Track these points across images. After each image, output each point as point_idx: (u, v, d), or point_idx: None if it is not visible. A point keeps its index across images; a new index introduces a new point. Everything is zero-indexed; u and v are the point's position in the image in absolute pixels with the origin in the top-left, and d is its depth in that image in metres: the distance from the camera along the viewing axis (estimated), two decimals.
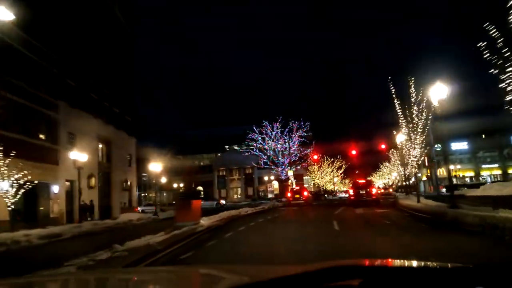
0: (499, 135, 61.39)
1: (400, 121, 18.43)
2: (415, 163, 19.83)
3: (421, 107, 17.49)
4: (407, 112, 18.50)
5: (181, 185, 70.00)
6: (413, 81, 17.85)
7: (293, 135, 52.53)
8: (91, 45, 30.61)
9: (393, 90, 18.42)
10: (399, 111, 18.31)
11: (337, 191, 78.72)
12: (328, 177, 73.56)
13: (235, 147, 76.73)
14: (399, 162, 29.68)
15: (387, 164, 74.93)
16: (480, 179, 64.25)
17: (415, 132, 18.26)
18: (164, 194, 72.05)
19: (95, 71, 31.54)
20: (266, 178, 70.44)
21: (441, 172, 67.70)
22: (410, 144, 18.99)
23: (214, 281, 1.94)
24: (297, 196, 30.36)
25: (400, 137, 23.96)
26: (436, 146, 67.58)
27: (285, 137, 52.71)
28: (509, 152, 64.47)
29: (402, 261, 1.92)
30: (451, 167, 65.67)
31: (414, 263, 1.78)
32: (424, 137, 18.43)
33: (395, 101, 18.46)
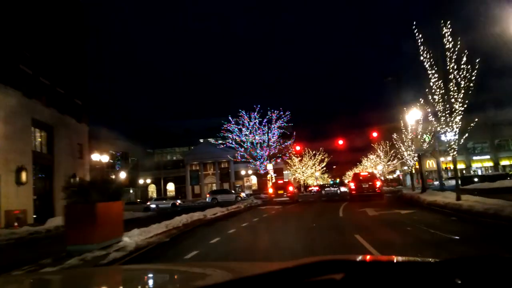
0: (491, 125, 57.86)
1: (432, 83, 12.83)
2: (452, 144, 14.15)
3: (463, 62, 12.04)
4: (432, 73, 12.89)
5: (148, 181, 63.39)
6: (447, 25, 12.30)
7: (273, 126, 47.82)
8: (23, 4, 23.97)
9: (419, 39, 12.78)
10: (428, 68, 12.74)
11: (311, 185, 73.94)
12: (309, 171, 68.60)
13: (212, 141, 70.63)
14: (403, 149, 24.43)
15: (372, 157, 70.51)
16: (471, 171, 60.69)
17: (453, 97, 12.65)
18: (131, 191, 65.21)
19: (31, 40, 24.96)
20: (243, 173, 64.83)
21: (430, 164, 63.68)
22: (443, 116, 13.34)
23: (193, 278, 1.94)
24: (281, 192, 24.73)
25: (413, 115, 18.66)
26: (425, 136, 63.64)
27: (264, 128, 47.72)
28: (500, 142, 61.11)
29: (384, 256, 2.09)
30: (442, 159, 62.30)
31: (396, 258, 1.70)
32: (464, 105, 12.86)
33: (422, 51, 12.82)
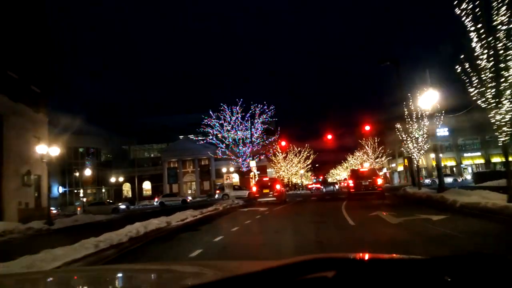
0: (481, 121, 55.69)
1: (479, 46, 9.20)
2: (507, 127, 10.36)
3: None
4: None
5: (121, 179, 58.92)
6: None
7: (256, 121, 44.64)
8: None
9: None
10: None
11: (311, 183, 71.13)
12: (294, 169, 65.31)
13: (192, 137, 66.44)
14: (409, 141, 21.13)
15: (359, 154, 67.70)
16: (462, 168, 58.52)
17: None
18: (103, 190, 60.61)
19: None
20: (224, 170, 61.00)
21: (420, 161, 61.21)
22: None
23: (184, 277, 1.92)
24: (266, 191, 21.07)
25: (428, 98, 15.23)
26: (414, 132, 61.15)
27: (247, 123, 44.36)
28: (491, 138, 59.00)
29: (375, 254, 1.84)
30: (432, 155, 59.81)
31: (387, 256, 1.82)
32: None
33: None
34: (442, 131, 59.47)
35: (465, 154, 58.63)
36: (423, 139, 20.06)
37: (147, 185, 65.39)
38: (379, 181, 20.10)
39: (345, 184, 68.91)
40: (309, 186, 60.16)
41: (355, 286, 1.07)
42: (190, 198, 46.12)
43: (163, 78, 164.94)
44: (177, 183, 63.12)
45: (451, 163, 58.57)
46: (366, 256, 1.75)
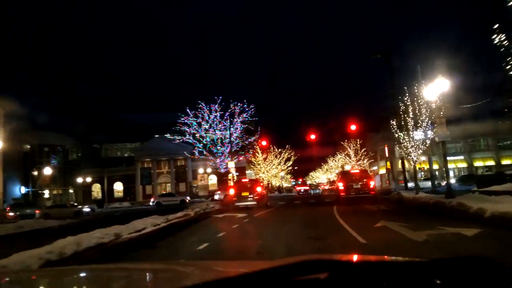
0: (464, 124, 54.80)
1: None
2: None
3: None
4: None
5: (89, 179, 55.14)
6: None
7: (235, 120, 42.36)
8: None
9: None
10: None
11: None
12: (274, 171, 62.95)
13: (168, 136, 63.09)
14: (406, 139, 18.99)
15: (340, 156, 65.82)
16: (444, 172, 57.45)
17: None
18: (70, 191, 56.60)
19: None
20: (201, 171, 58.12)
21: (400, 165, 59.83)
22: None
23: (177, 278, 1.86)
24: (245, 194, 18.43)
25: (437, 88, 13.00)
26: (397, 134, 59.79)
27: (226, 123, 41.54)
28: (473, 142, 58.40)
29: (368, 256, 1.96)
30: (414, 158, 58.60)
31: (379, 258, 1.81)
32: None
33: None
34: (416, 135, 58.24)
35: (448, 158, 57.54)
36: (425, 136, 17.94)
37: (119, 186, 61.64)
38: (372, 184, 17.91)
39: (326, 187, 67.08)
40: (297, 188, 57.14)
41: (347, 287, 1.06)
42: (188, 198, 43.50)
43: (138, 75, 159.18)
44: (151, 184, 59.67)
45: (435, 166, 57.39)
46: (358, 258, 1.79)
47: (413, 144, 18.52)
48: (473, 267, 1.09)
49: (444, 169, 22.30)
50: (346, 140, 61.01)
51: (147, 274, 2.08)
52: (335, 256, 2.14)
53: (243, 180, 20.68)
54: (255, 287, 1.09)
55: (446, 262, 1.14)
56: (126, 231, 9.94)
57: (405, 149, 19.30)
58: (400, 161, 59.71)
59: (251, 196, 18.24)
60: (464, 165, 56.48)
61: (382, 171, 63.36)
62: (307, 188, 57.20)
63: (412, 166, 21.22)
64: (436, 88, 12.75)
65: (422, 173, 57.38)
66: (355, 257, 1.85)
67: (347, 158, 62.03)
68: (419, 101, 17.95)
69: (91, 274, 2.12)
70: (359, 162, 59.72)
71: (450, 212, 10.70)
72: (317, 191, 53.41)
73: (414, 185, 46.38)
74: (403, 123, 19.00)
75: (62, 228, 17.96)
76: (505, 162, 56.39)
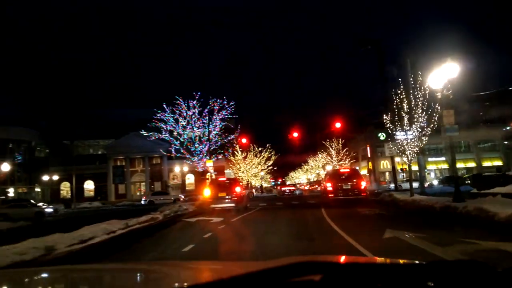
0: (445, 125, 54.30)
1: None
2: None
3: None
4: None
5: (55, 177, 51.82)
6: None
7: (214, 117, 40.23)
8: None
9: None
10: None
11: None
12: (254, 170, 60.97)
13: (143, 133, 59.95)
14: (402, 135, 17.33)
15: (322, 155, 64.35)
16: (425, 173, 56.74)
17: None
18: (36, 190, 53.04)
19: None
20: (177, 170, 55.67)
21: (384, 165, 58.94)
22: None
23: (173, 279, 1.83)
24: (223, 194, 16.31)
25: (443, 74, 11.30)
26: (380, 134, 58.80)
27: (204, 119, 39.08)
28: (454, 143, 57.92)
29: (362, 257, 1.96)
30: (397, 159, 57.73)
31: (373, 260, 1.84)
32: None
33: None
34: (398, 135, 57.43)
35: (429, 159, 57.02)
36: (424, 131, 16.28)
37: (90, 185, 58.39)
38: (363, 185, 16.16)
39: (306, 187, 65.31)
40: (283, 189, 54.30)
41: None
42: (183, 196, 41.63)
43: (112, 69, 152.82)
44: (123, 183, 56.70)
45: (415, 167, 56.64)
46: (352, 259, 1.80)
47: (408, 140, 16.85)
48: (465, 271, 1.10)
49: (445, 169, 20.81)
50: (328, 140, 59.70)
51: (134, 275, 2.01)
52: (329, 257, 2.10)
53: (220, 179, 18.53)
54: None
55: (439, 265, 1.15)
56: (66, 242, 7.74)
57: (399, 146, 17.61)
58: (383, 162, 59.13)
59: (229, 197, 16.15)
60: (446, 166, 55.92)
61: (363, 171, 62.31)
62: (293, 188, 54.84)
63: (407, 165, 19.51)
64: (444, 73, 11.02)
65: (403, 174, 56.74)
66: (348, 259, 1.86)
67: (329, 158, 60.67)
68: (416, 93, 16.32)
69: (82, 275, 2.03)
70: (341, 162, 58.43)
71: (466, 219, 8.94)
72: (300, 191, 51.63)
73: (398, 186, 45.27)
74: (396, 118, 17.32)
75: (2, 233, 15.30)
76: (486, 164, 56.23)
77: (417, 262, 1.28)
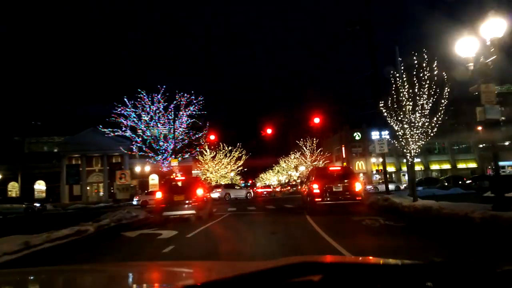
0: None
1: None
2: None
3: None
4: None
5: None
6: None
7: (181, 113, 36.08)
8: None
9: None
10: None
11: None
12: (224, 171, 57.31)
13: (101, 128, 54.84)
14: (405, 128, 14.25)
15: (296, 155, 61.40)
16: (401, 174, 55.05)
17: None
18: None
19: None
20: (138, 170, 51.05)
21: (360, 166, 56.71)
22: None
23: (173, 278, 1.85)
24: (180, 198, 12.51)
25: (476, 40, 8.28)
26: (355, 134, 56.63)
27: (170, 115, 35.43)
28: (429, 145, 56.66)
29: (361, 257, 1.86)
30: (373, 160, 55.59)
31: (373, 260, 1.75)
32: None
33: None
34: (383, 134, 55.72)
35: (405, 160, 55.34)
36: (434, 120, 13.25)
37: (41, 186, 52.76)
38: (358, 187, 12.96)
39: (277, 189, 61.89)
40: (259, 191, 49.00)
41: None
42: (252, 193, 39.54)
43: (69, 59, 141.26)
44: (79, 184, 51.52)
45: (391, 168, 54.90)
46: (352, 260, 1.74)
47: (413, 132, 13.77)
48: (464, 271, 1.11)
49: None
50: (302, 139, 56.89)
51: (136, 274, 1.99)
52: (329, 257, 2.11)
53: (176, 178, 14.60)
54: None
55: (438, 265, 1.15)
56: None
57: (402, 140, 14.52)
58: (358, 163, 56.88)
59: (188, 201, 12.43)
60: (421, 167, 54.38)
61: None
62: (270, 190, 50.79)
63: (409, 163, 16.60)
64: (487, 32, 7.96)
65: (378, 175, 54.77)
66: (348, 259, 1.87)
67: (302, 158, 57.84)
68: (421, 75, 13.35)
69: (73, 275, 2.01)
70: (315, 163, 55.70)
71: None
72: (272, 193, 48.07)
73: (371, 187, 42.83)
74: (396, 106, 14.26)
75: None
76: (460, 166, 55.26)
77: (416, 262, 1.24)
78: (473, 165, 54.97)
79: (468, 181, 41.70)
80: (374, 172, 54.17)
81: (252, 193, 41.11)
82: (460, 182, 40.00)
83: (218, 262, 3.35)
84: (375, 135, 56.57)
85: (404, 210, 12.10)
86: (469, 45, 8.71)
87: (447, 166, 55.85)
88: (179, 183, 13.31)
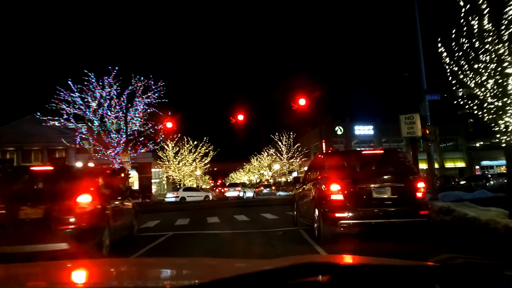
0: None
1: None
2: None
3: None
4: None
5: None
6: None
7: (137, 101, 30.70)
8: None
9: None
10: None
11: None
12: (188, 168, 50.10)
13: (45, 120, 46.49)
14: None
15: (271, 151, 55.02)
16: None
17: None
18: None
19: None
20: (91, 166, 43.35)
21: None
22: None
23: (176, 275, 1.83)
24: (29, 213, 5.04)
25: None
26: (337, 128, 51.09)
27: (124, 102, 30.39)
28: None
29: (369, 258, 1.80)
30: None
31: (381, 261, 1.72)
32: None
33: None
34: (367, 129, 50.75)
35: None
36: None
37: None
38: (421, 189, 6.39)
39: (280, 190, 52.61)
40: (226, 194, 38.17)
41: None
42: (211, 196, 35.26)
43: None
44: None
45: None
46: (360, 261, 1.68)
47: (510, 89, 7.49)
48: (472, 273, 1.09)
49: None
50: (277, 134, 50.66)
51: (143, 269, 2.00)
52: (337, 258, 2.10)
53: (32, 169, 6.87)
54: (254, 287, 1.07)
55: (447, 267, 1.14)
56: None
57: (486, 105, 8.12)
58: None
59: (51, 221, 5.21)
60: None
61: None
62: (239, 188, 39.44)
63: (508, 142, 10.20)
64: None
65: None
66: (356, 260, 1.80)
67: (278, 155, 51.53)
68: None
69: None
70: (291, 160, 49.67)
71: None
72: (246, 194, 37.87)
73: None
74: (465, 43, 7.95)
75: None
76: (448, 165, 51.09)
77: (425, 264, 1.23)
78: (461, 164, 50.95)
79: (462, 182, 38.79)
80: None
81: (210, 196, 33.63)
82: (453, 183, 37.61)
83: (221, 260, 3.04)
84: (358, 129, 51.21)
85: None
86: None
87: (435, 165, 51.42)
88: (38, 179, 5.98)
